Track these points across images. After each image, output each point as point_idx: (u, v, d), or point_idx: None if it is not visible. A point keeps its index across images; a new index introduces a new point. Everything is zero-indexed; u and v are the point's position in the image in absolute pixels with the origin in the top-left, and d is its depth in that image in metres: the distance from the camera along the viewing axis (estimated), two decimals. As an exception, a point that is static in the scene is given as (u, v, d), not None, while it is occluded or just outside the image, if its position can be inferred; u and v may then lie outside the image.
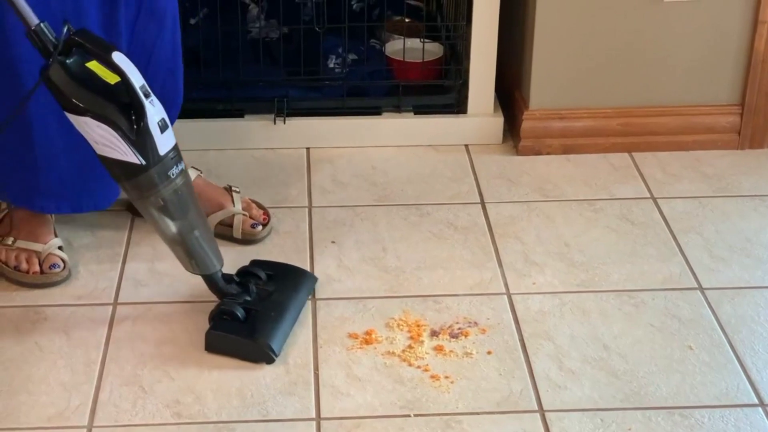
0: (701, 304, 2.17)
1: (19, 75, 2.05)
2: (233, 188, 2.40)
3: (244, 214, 2.35)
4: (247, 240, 2.33)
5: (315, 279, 2.21)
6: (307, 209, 2.47)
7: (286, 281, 2.15)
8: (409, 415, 1.90)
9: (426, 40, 2.74)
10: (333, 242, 2.36)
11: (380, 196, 2.53)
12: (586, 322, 2.12)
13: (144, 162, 1.90)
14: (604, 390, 1.95)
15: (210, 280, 2.07)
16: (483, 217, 2.45)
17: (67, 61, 1.85)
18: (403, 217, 2.45)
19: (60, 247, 2.24)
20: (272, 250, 2.31)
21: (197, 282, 2.21)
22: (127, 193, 1.98)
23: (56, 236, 2.26)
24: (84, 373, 1.99)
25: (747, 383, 1.97)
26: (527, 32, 2.65)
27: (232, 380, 1.97)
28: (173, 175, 1.94)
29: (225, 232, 2.33)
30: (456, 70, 2.73)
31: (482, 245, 2.35)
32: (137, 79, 1.87)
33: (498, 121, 2.73)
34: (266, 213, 2.39)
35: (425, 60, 2.75)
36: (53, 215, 2.30)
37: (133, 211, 2.41)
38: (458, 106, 2.73)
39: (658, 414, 1.90)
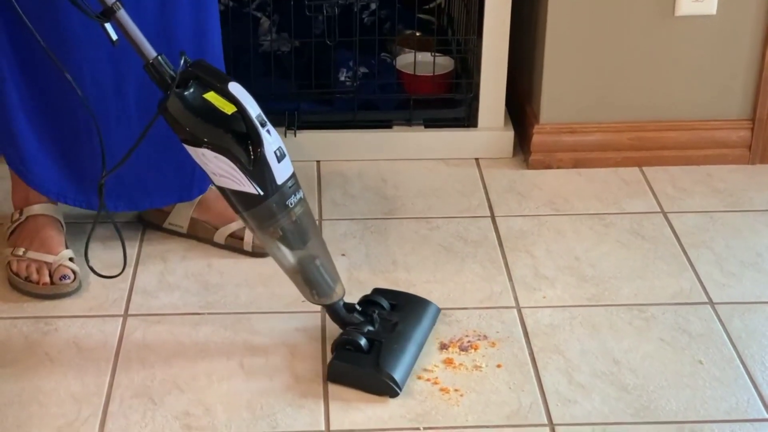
0: (712, 318, 2.17)
1: (69, 53, 2.06)
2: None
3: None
4: (258, 253, 2.33)
5: (438, 310, 2.16)
6: (317, 222, 2.47)
7: (410, 312, 2.10)
8: (418, 428, 1.90)
9: (437, 54, 2.75)
10: (343, 255, 2.36)
11: (390, 209, 2.53)
12: (596, 336, 2.12)
13: (262, 192, 1.88)
14: (614, 404, 1.95)
15: (331, 310, 2.03)
16: (493, 231, 2.45)
17: (185, 93, 1.85)
18: (414, 231, 2.45)
19: (71, 259, 2.25)
20: (282, 262, 2.30)
21: (207, 294, 2.22)
22: (246, 224, 1.96)
23: (67, 247, 2.26)
24: (94, 384, 1.99)
25: (757, 398, 1.97)
26: (538, 46, 2.66)
27: (242, 392, 1.97)
28: (291, 204, 1.91)
29: (236, 244, 2.34)
30: (467, 83, 2.73)
31: (492, 259, 2.35)
32: (253, 109, 1.85)
33: (508, 135, 2.74)
34: (277, 226, 2.39)
35: (436, 74, 2.75)
36: (64, 226, 2.31)
37: (144, 222, 2.42)
38: (469, 120, 2.74)
39: (668, 428, 1.90)
